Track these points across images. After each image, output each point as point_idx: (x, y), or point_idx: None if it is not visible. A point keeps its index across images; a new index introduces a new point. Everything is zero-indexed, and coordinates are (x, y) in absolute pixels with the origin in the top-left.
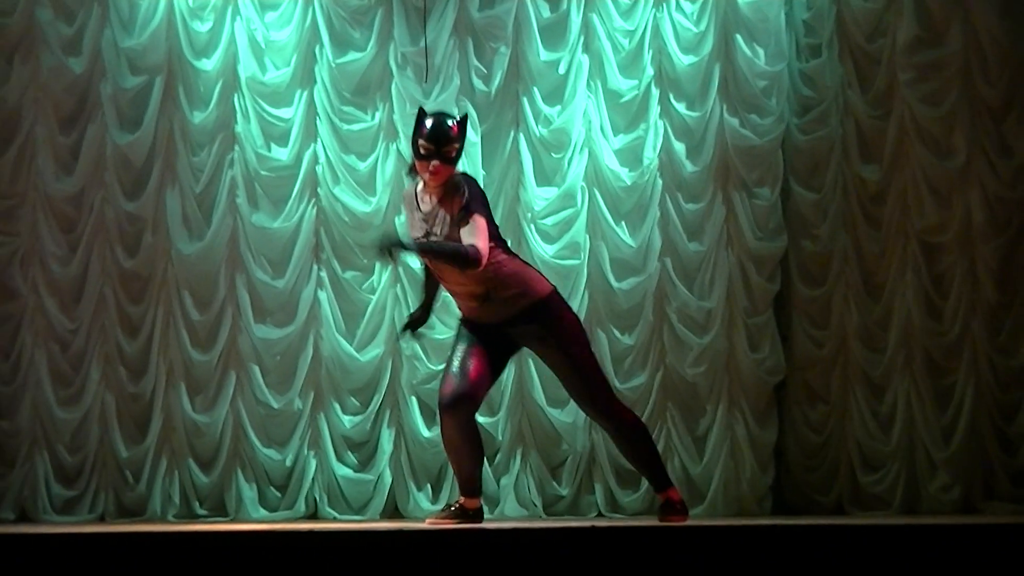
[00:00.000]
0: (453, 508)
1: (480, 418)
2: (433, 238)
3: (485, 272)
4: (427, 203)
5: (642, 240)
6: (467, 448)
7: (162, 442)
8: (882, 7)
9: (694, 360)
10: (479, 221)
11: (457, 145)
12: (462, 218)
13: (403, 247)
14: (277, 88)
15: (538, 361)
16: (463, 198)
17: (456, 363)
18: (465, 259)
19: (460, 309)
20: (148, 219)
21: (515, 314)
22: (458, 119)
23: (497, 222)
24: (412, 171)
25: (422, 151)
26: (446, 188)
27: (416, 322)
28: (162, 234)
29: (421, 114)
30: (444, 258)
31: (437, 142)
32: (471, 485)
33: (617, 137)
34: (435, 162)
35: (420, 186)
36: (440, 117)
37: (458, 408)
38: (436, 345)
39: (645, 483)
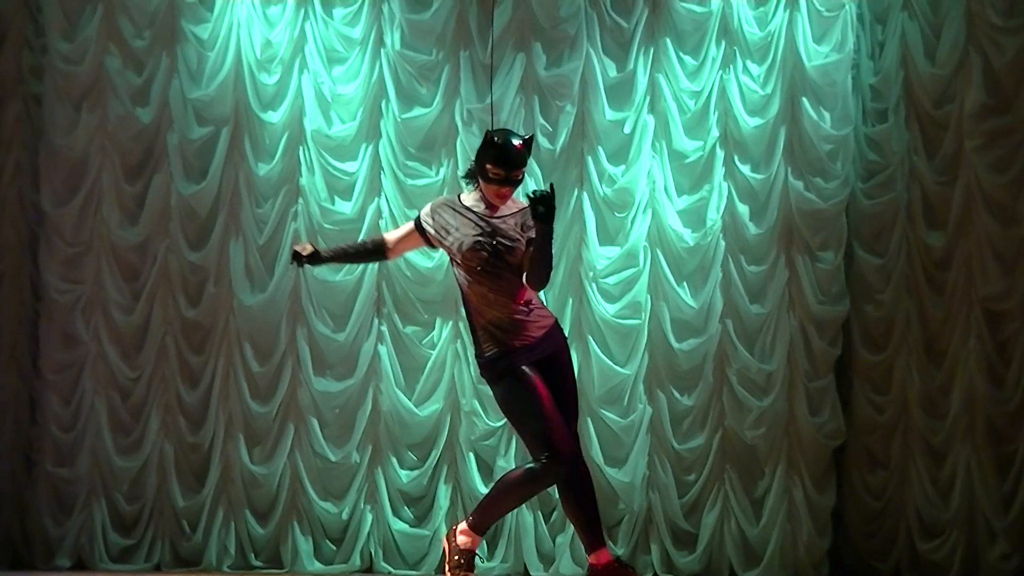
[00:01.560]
0: (618, 563)
1: None
2: (499, 243)
3: (521, 287)
4: (481, 207)
5: (704, 301)
6: (591, 487)
7: (219, 493)
8: (950, 73)
9: (753, 423)
10: None
11: (524, 168)
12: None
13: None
14: (342, 142)
15: (598, 421)
16: (533, 220)
17: (552, 413)
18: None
19: (495, 337)
20: (211, 270)
21: (542, 335)
22: (525, 138)
23: (560, 281)
24: (469, 178)
25: (491, 175)
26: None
27: (311, 257)
28: (225, 285)
29: (488, 137)
30: (546, 261)
31: (507, 167)
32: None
33: (681, 198)
34: (506, 189)
35: (463, 196)
36: (508, 141)
37: (578, 459)
38: (494, 402)
39: (701, 544)
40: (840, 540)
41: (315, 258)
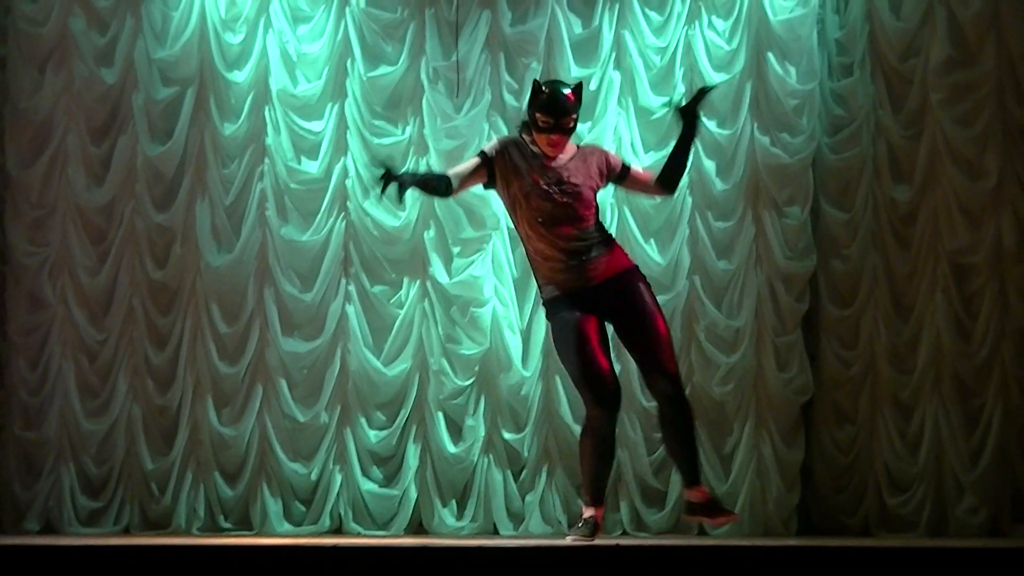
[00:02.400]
0: (590, 524)
1: (506, 435)
2: (568, 187)
3: (596, 226)
4: (549, 156)
5: (671, 258)
6: (612, 450)
7: (188, 455)
8: (915, 27)
9: (722, 379)
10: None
11: (575, 115)
12: (626, 174)
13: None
14: (308, 101)
15: (565, 377)
16: (610, 159)
17: (586, 356)
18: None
19: (550, 283)
20: (177, 231)
21: (607, 278)
22: (572, 87)
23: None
24: (523, 129)
25: (541, 124)
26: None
27: (401, 182)
28: (191, 246)
29: (536, 86)
30: (683, 166)
31: (555, 115)
32: (600, 494)
33: (648, 154)
34: (555, 135)
35: (530, 140)
36: (556, 88)
37: (615, 408)
38: (464, 361)
39: (671, 502)
40: (809, 495)
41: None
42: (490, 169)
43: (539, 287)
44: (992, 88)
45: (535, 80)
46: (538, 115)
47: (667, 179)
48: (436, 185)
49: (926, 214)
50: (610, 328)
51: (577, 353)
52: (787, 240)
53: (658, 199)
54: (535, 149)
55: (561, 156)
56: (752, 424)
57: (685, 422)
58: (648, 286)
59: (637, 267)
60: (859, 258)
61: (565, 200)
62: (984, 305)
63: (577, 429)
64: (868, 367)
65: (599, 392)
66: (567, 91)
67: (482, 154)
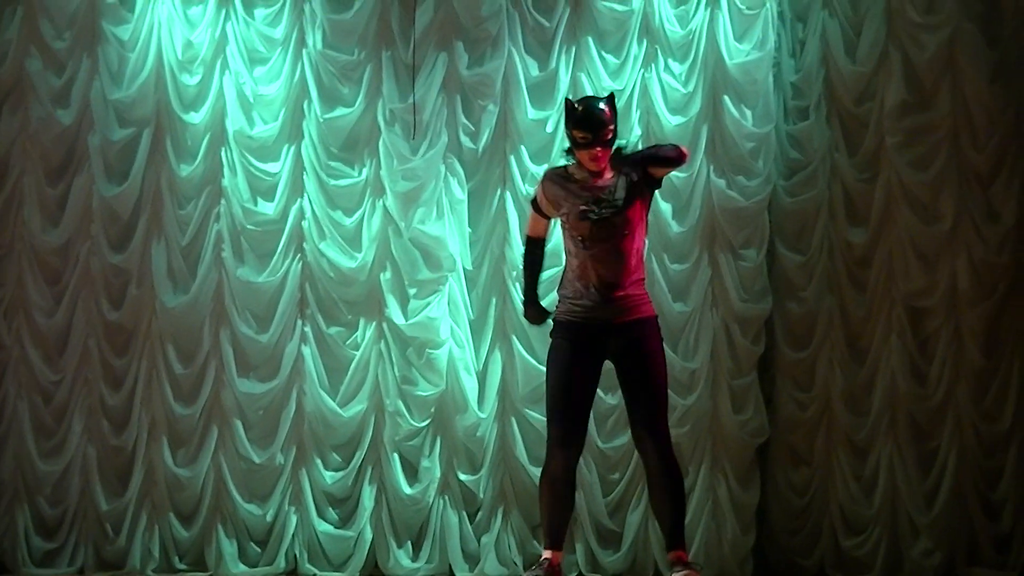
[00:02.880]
0: (544, 566)
1: (462, 476)
2: (605, 206)
3: (634, 259)
4: (590, 174)
5: None
6: (569, 492)
7: (143, 495)
8: (871, 70)
9: (677, 420)
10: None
11: (612, 127)
12: (641, 156)
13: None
14: (265, 142)
15: (522, 420)
16: (631, 156)
17: (563, 395)
18: (679, 154)
19: (569, 306)
20: (133, 271)
21: (624, 322)
22: (605, 99)
23: (483, 281)
24: (569, 153)
25: (580, 140)
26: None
27: (542, 314)
28: (147, 287)
29: (569, 104)
30: (668, 161)
31: (593, 129)
32: (562, 535)
33: None
34: (596, 149)
35: (572, 166)
36: (589, 103)
37: (571, 449)
38: (420, 402)
39: (626, 543)
40: (764, 537)
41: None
42: (541, 211)
43: (558, 300)
44: (947, 132)
45: (566, 98)
46: (575, 132)
47: (664, 155)
48: (534, 259)
49: (881, 257)
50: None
51: (553, 387)
52: (743, 282)
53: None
54: (576, 173)
55: (607, 174)
56: (708, 466)
57: (675, 483)
58: (661, 341)
59: (657, 318)
60: (815, 301)
61: (605, 217)
62: (939, 348)
63: (533, 471)
64: (823, 409)
65: (560, 432)
66: (601, 104)
67: (533, 202)
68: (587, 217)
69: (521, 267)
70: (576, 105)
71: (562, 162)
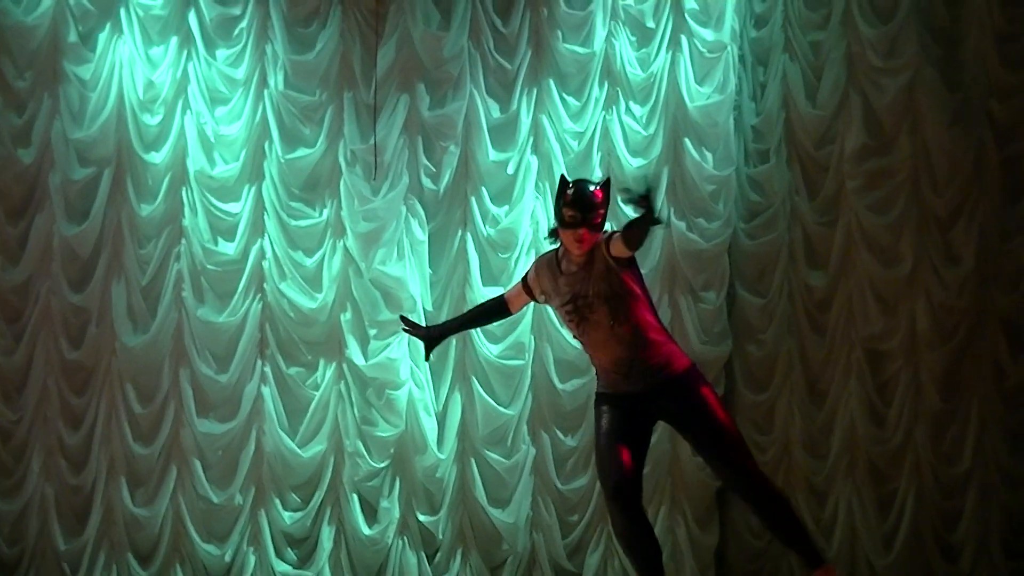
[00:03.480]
0: None
1: (421, 516)
2: (580, 301)
3: (636, 334)
4: (570, 265)
5: None
6: (646, 537)
7: (101, 535)
8: (831, 115)
9: None
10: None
11: (603, 211)
12: (610, 236)
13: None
14: (225, 182)
15: (482, 462)
16: (606, 237)
17: (612, 449)
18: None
19: (601, 380)
20: (93, 311)
21: (655, 386)
22: (600, 184)
23: (442, 320)
24: (553, 235)
25: (567, 219)
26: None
27: (430, 340)
28: (107, 326)
29: (563, 182)
30: (641, 236)
31: (583, 210)
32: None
33: None
34: (582, 230)
35: (560, 252)
36: (582, 184)
37: (623, 502)
38: (379, 443)
39: None
40: None
41: (432, 339)
42: (530, 292)
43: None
44: (907, 176)
45: (561, 175)
46: (565, 210)
47: (627, 240)
48: (489, 312)
49: (841, 300)
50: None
51: (597, 446)
52: (703, 324)
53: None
54: (563, 262)
55: (576, 265)
56: (667, 507)
57: (781, 510)
58: (707, 383)
59: (694, 365)
60: (774, 343)
61: (589, 316)
62: (898, 391)
63: (492, 511)
64: (783, 452)
65: (606, 485)
66: (594, 187)
67: (523, 280)
68: (572, 315)
69: (474, 308)
70: (570, 183)
71: (547, 245)
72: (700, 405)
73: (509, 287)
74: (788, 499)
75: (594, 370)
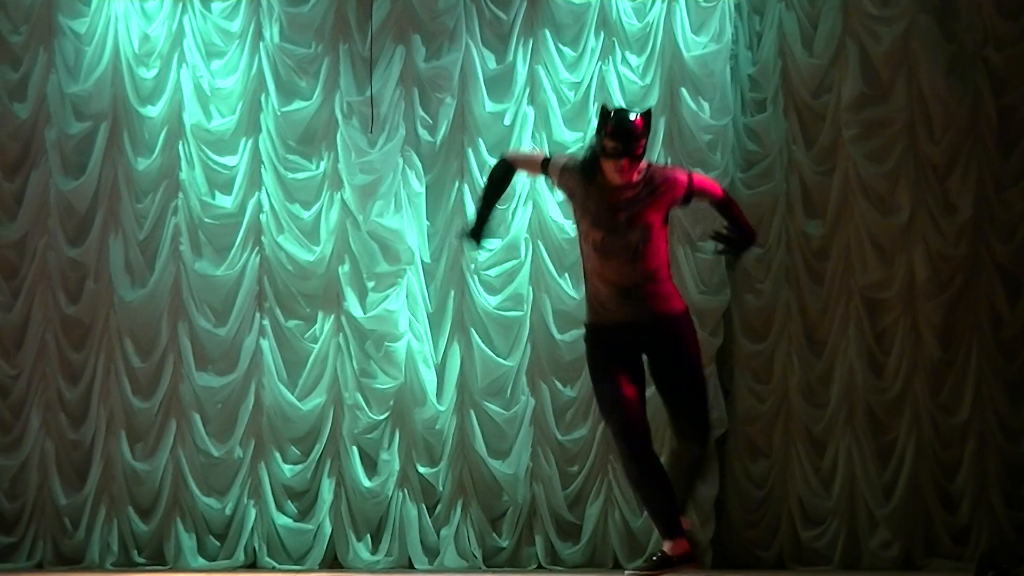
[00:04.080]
0: (655, 558)
1: (421, 469)
2: (622, 215)
3: (653, 261)
4: (614, 177)
5: (585, 292)
6: (654, 480)
7: (101, 490)
8: (827, 63)
9: None
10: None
11: (644, 140)
12: (698, 181)
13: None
14: (222, 136)
15: (481, 413)
16: (678, 182)
17: (617, 387)
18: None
19: (593, 307)
20: (91, 266)
21: (650, 318)
22: (641, 113)
23: (441, 273)
24: (588, 155)
25: (608, 150)
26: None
27: (476, 236)
28: (104, 281)
29: (604, 112)
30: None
31: (625, 139)
32: (670, 523)
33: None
34: (623, 160)
35: (590, 163)
36: (623, 113)
37: (636, 440)
38: (378, 395)
39: (586, 535)
40: (723, 529)
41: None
42: (546, 172)
43: (585, 298)
44: (903, 124)
45: (602, 105)
46: (606, 140)
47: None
48: (503, 179)
49: (839, 249)
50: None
51: (598, 387)
52: (701, 275)
53: (571, 234)
54: (598, 173)
55: (624, 182)
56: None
57: (699, 473)
58: (694, 334)
59: (688, 310)
60: (772, 293)
61: (620, 233)
62: (896, 340)
63: (492, 463)
64: (782, 401)
65: (611, 419)
66: (635, 116)
67: (545, 158)
68: (603, 227)
69: (484, 184)
70: (611, 112)
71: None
72: (687, 349)
73: (514, 151)
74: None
75: (587, 298)
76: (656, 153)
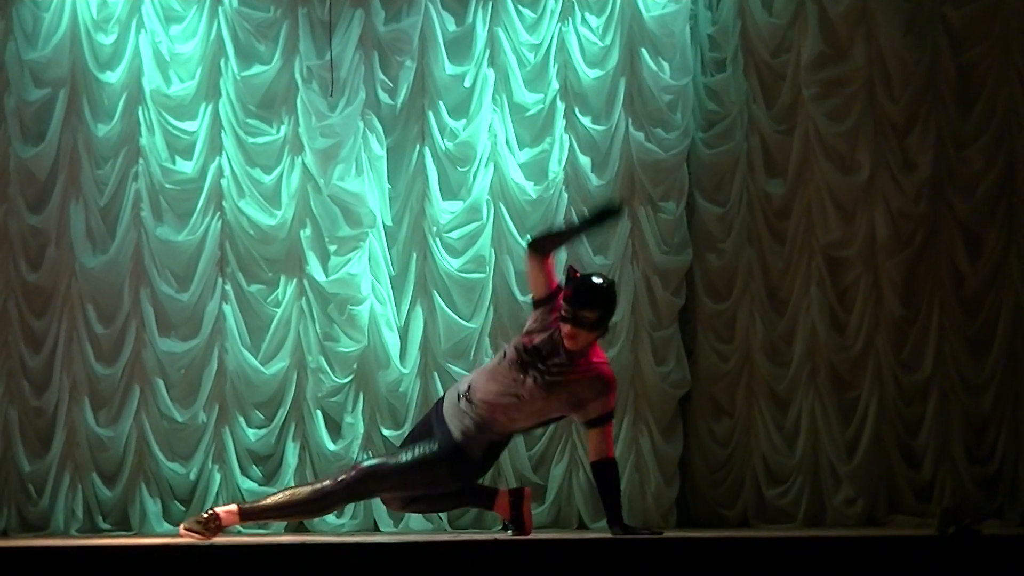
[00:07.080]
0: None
1: (385, 431)
2: (551, 363)
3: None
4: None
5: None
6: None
7: (65, 456)
8: (786, 23)
9: None
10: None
11: (597, 313)
12: (602, 421)
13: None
14: (182, 101)
15: (444, 373)
16: (607, 403)
17: (427, 480)
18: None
19: (488, 426)
20: (52, 233)
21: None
22: (605, 284)
23: (403, 237)
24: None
25: (563, 312)
26: (588, 367)
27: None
28: (65, 248)
29: (570, 271)
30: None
31: (576, 304)
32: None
33: (522, 151)
34: (568, 327)
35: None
36: (585, 278)
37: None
38: (342, 359)
39: (550, 496)
40: (688, 489)
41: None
42: (547, 273)
43: (473, 413)
44: (863, 83)
45: (570, 265)
46: (563, 304)
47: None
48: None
49: (800, 208)
50: None
51: (430, 462)
52: (663, 235)
53: (533, 196)
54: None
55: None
56: (630, 418)
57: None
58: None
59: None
60: (734, 252)
61: (543, 379)
62: (858, 298)
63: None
64: (744, 360)
65: (389, 484)
66: (597, 280)
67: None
68: (520, 370)
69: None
70: (576, 272)
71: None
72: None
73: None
74: None
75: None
76: (616, 115)
